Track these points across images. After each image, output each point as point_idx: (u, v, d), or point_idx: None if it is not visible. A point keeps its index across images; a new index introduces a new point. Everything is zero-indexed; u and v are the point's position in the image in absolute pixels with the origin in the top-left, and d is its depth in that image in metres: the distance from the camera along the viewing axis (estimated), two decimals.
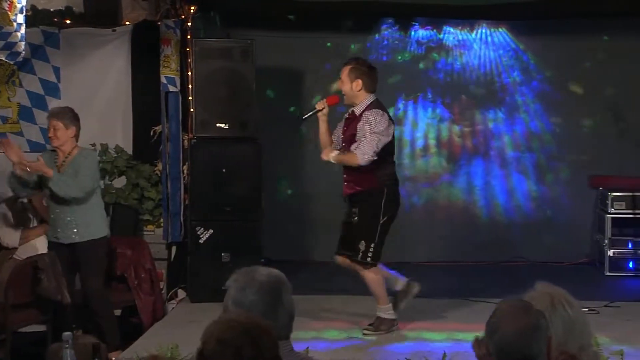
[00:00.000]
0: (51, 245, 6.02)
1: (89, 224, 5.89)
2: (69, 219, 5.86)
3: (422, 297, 6.87)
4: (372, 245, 5.79)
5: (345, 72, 5.84)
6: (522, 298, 2.75)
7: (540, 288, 2.86)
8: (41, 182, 5.85)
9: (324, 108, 5.90)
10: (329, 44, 8.47)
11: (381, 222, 5.82)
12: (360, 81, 5.78)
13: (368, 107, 5.78)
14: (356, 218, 5.86)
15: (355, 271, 5.91)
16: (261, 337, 2.25)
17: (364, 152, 5.65)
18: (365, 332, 5.92)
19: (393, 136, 5.86)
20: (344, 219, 6.01)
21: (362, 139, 5.67)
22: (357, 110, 5.83)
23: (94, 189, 5.92)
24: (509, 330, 2.54)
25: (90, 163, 5.90)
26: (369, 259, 5.80)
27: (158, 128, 7.22)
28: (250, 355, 2.19)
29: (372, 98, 5.85)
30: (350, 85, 5.80)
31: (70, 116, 5.91)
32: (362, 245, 5.79)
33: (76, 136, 5.92)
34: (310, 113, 6.00)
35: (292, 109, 8.29)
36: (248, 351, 2.19)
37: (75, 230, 5.86)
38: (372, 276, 5.87)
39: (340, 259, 5.99)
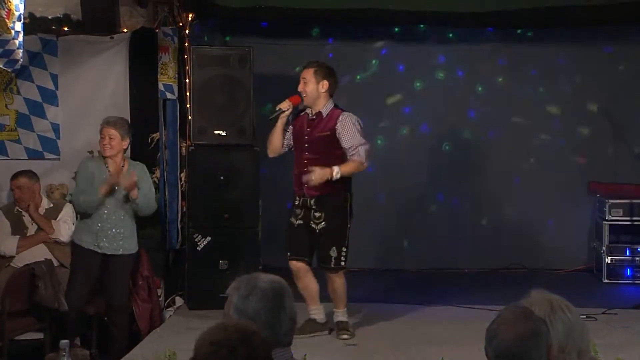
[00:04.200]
0: (83, 251, 6.00)
1: (132, 236, 6.08)
2: (117, 230, 5.97)
3: (420, 305, 6.90)
4: (344, 249, 5.80)
5: (310, 73, 5.82)
6: (521, 304, 2.75)
7: (535, 295, 2.86)
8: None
9: (288, 108, 5.86)
10: (327, 51, 8.46)
11: (349, 226, 5.85)
12: (326, 82, 5.80)
13: (335, 109, 5.83)
14: (323, 224, 5.81)
15: (303, 276, 5.85)
16: (253, 337, 2.24)
17: (369, 155, 5.76)
18: (345, 337, 5.86)
19: None
20: (298, 222, 5.89)
21: (359, 146, 5.71)
22: (324, 112, 5.82)
23: None
24: (507, 336, 2.54)
25: (149, 176, 6.12)
26: (342, 264, 5.80)
27: (156, 135, 7.21)
28: (245, 355, 2.18)
29: (332, 101, 5.89)
30: (317, 86, 5.79)
31: (127, 128, 6.02)
32: (333, 252, 5.77)
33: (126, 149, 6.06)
34: (277, 113, 5.90)
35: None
36: (243, 350, 2.18)
37: (121, 243, 6.00)
38: (342, 281, 5.88)
39: (298, 265, 5.87)
